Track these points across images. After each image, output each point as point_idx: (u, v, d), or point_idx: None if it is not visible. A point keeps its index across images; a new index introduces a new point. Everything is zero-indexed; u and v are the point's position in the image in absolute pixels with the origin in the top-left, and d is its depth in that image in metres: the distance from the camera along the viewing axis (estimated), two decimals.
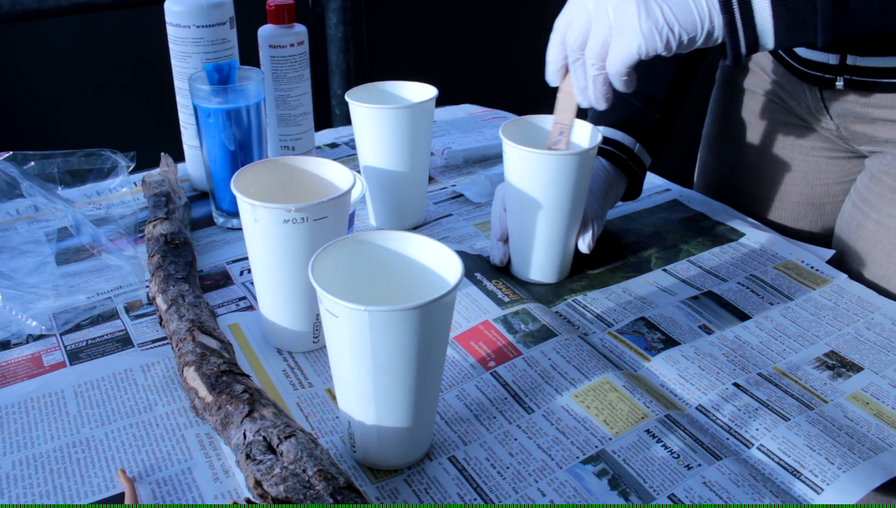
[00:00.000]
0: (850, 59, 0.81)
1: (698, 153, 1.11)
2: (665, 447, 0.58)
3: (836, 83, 0.84)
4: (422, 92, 0.86)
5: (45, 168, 0.94)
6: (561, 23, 0.68)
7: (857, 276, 0.84)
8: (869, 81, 0.82)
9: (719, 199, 0.97)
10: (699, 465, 0.57)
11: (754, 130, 0.99)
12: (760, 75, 0.97)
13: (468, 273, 0.78)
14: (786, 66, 0.91)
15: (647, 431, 0.60)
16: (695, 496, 0.54)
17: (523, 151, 0.72)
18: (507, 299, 0.74)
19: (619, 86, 0.66)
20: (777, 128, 0.96)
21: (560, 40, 0.68)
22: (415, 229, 0.89)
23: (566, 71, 0.70)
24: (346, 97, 0.83)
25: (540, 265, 0.78)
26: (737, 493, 0.54)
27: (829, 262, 0.82)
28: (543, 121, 0.77)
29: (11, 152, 0.93)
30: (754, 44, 0.63)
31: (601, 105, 0.69)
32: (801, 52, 0.86)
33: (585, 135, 0.76)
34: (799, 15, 0.61)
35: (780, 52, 0.90)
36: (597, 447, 0.59)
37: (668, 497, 0.55)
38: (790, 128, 0.95)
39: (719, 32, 0.63)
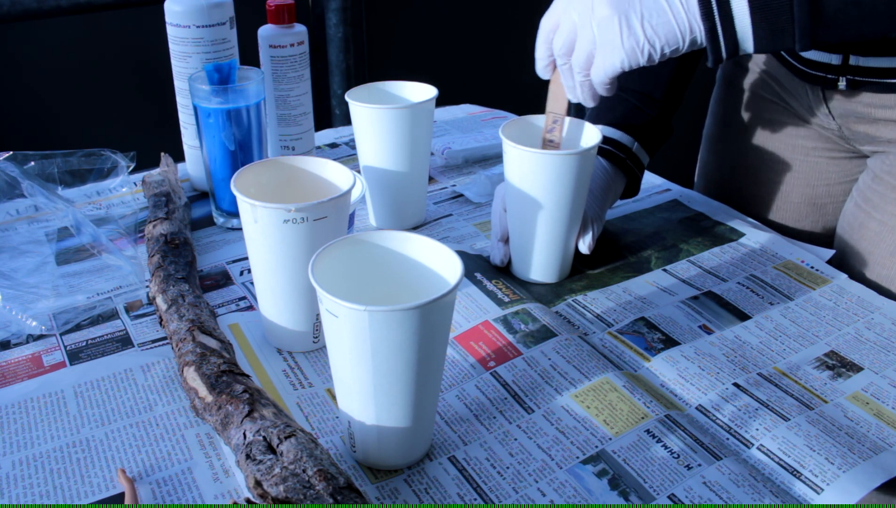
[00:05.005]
0: (853, 60, 0.81)
1: (699, 154, 1.11)
2: (665, 447, 0.58)
3: (839, 83, 0.84)
4: (422, 92, 0.86)
5: (45, 168, 0.94)
6: (546, 25, 0.69)
7: (859, 276, 0.84)
8: (872, 82, 0.82)
9: (720, 199, 0.97)
10: (699, 465, 0.57)
11: (755, 131, 0.99)
12: (761, 75, 0.97)
13: (468, 273, 0.78)
14: (787, 66, 0.91)
15: (647, 431, 0.60)
16: (695, 496, 0.54)
17: (523, 151, 0.72)
18: (507, 300, 0.74)
19: (603, 92, 0.68)
20: (778, 128, 0.97)
21: (546, 40, 0.70)
22: (415, 229, 0.89)
23: (555, 65, 0.71)
24: (346, 97, 0.83)
25: (540, 265, 0.78)
26: (737, 493, 0.54)
27: (830, 262, 0.82)
28: (542, 120, 0.77)
29: (12, 152, 0.93)
30: (734, 49, 0.64)
31: (589, 104, 0.71)
32: (804, 52, 0.84)
33: (585, 134, 0.77)
34: (777, 23, 0.62)
35: (784, 52, 0.90)
36: (597, 447, 0.59)
37: (668, 497, 0.55)
38: (791, 128, 0.96)
39: (702, 39, 0.64)
